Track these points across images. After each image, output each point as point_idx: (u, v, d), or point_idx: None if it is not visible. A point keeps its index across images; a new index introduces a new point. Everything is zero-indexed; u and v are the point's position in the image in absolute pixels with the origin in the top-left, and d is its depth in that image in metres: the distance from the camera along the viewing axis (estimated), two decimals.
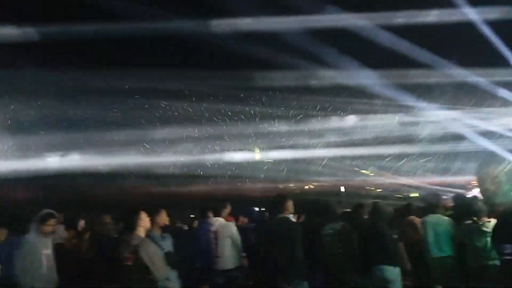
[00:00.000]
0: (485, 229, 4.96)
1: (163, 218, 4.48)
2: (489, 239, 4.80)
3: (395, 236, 6.07)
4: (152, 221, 4.30)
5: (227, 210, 6.57)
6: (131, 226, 4.12)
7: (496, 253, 4.38)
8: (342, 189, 29.23)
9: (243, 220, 7.73)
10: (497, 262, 4.46)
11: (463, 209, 5.82)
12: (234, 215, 7.15)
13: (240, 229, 6.37)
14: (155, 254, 4.00)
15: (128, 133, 15.66)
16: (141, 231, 4.14)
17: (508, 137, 13.14)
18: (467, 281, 5.43)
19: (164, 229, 4.52)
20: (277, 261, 4.33)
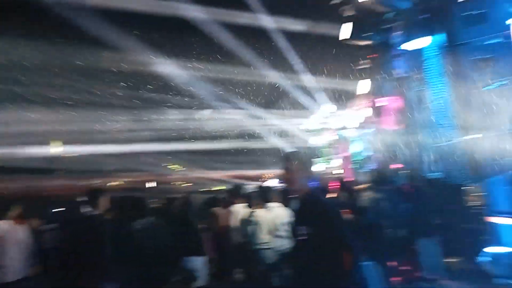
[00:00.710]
0: (250, 218, 5.66)
1: None
2: (252, 227, 5.55)
3: (203, 227, 6.37)
4: None
5: (17, 211, 5.57)
6: None
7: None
8: (152, 184, 29.08)
9: (37, 222, 6.73)
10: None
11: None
12: (27, 217, 6.11)
13: (36, 232, 5.52)
14: None
15: None
16: None
17: (299, 136, 15.49)
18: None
19: None
20: (83, 261, 3.94)
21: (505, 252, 5.27)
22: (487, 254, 5.37)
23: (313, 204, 2.59)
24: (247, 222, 5.85)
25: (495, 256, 5.27)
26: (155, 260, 4.86)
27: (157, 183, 28.29)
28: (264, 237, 5.72)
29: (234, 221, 6.44)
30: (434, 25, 5.03)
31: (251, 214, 5.82)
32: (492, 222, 5.87)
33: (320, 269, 2.44)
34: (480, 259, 5.42)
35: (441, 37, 5.07)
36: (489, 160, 4.39)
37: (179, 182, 32.93)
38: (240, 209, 6.40)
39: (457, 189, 7.27)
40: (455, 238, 6.90)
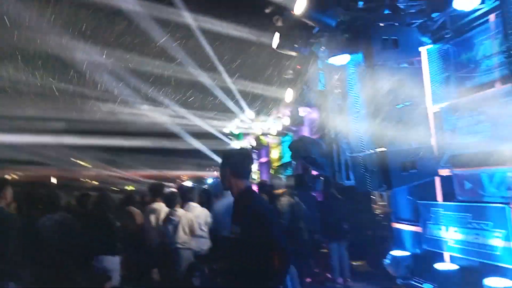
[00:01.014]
0: (170, 216, 5.64)
1: None
2: (171, 226, 5.56)
3: (118, 226, 6.08)
4: None
5: None
6: None
7: None
8: (53, 180, 26.77)
9: None
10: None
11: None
12: None
13: None
14: None
15: None
16: None
17: (219, 138, 15.48)
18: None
19: None
20: None
21: (406, 255, 5.86)
22: (391, 257, 5.91)
23: (248, 205, 2.59)
24: (167, 221, 5.73)
25: (397, 259, 5.83)
26: (64, 259, 4.51)
27: (61, 179, 26.18)
28: (183, 237, 5.66)
29: (153, 220, 6.26)
30: (353, 45, 5.40)
31: (171, 213, 5.72)
32: (396, 228, 6.50)
33: (249, 270, 2.46)
34: (385, 262, 5.96)
35: (359, 57, 5.46)
36: (396, 172, 4.84)
37: (87, 179, 30.88)
38: (159, 208, 6.24)
39: (367, 197, 7.92)
40: (363, 243, 7.51)
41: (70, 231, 4.66)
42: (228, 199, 6.34)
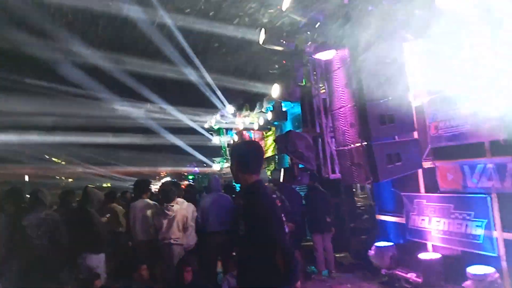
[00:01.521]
0: (166, 211, 5.61)
1: None
2: (166, 221, 5.55)
3: (103, 222, 5.98)
4: None
5: None
6: None
7: None
8: (26, 177, 25.96)
9: None
10: None
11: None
12: None
13: None
14: None
15: None
16: None
17: (200, 133, 15.35)
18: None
19: None
20: None
21: (390, 246, 6.01)
22: (375, 248, 6.06)
23: (251, 201, 2.56)
24: (162, 216, 5.67)
25: (381, 250, 5.97)
26: (49, 257, 4.42)
27: (31, 176, 25.44)
28: (177, 233, 5.63)
29: (140, 217, 6.19)
30: (338, 40, 5.48)
31: (167, 208, 5.66)
32: (380, 220, 6.66)
33: (251, 268, 2.44)
34: (369, 253, 6.09)
35: (344, 52, 5.55)
36: (382, 165, 4.95)
37: (62, 177, 30.12)
38: (146, 204, 6.17)
39: (350, 190, 8.07)
40: (347, 235, 7.66)
41: (55, 229, 4.58)
42: (214, 194, 6.38)
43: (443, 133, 5.28)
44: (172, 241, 5.58)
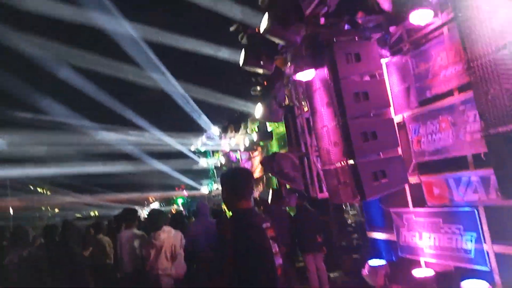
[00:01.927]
0: (153, 240, 5.47)
1: None
2: (153, 251, 5.39)
3: (84, 256, 5.81)
4: None
5: None
6: None
7: None
8: (10, 210, 25.30)
9: None
10: None
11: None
12: None
13: None
14: None
15: None
16: None
17: (188, 156, 15.24)
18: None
19: None
20: None
21: (383, 264, 5.93)
22: (368, 266, 5.97)
23: (238, 229, 2.48)
24: (149, 246, 5.52)
25: (375, 268, 5.89)
26: None
27: (19, 209, 24.82)
28: (165, 263, 5.47)
29: (126, 248, 6.02)
30: (318, 60, 5.53)
31: (151, 238, 5.51)
32: (371, 237, 6.60)
33: None
34: (362, 271, 6.00)
35: (324, 71, 5.59)
36: (369, 182, 4.92)
37: (48, 207, 29.43)
38: (133, 235, 6.02)
39: (339, 208, 8.01)
40: (339, 253, 7.56)
41: (38, 268, 4.42)
42: (203, 220, 6.26)
43: (426, 147, 5.30)
44: (160, 271, 5.42)
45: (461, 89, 4.70)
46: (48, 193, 28.92)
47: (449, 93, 4.91)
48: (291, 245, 7.05)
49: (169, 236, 5.67)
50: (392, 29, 5.57)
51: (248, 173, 2.76)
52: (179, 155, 15.43)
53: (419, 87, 5.40)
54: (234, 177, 2.69)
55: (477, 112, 4.35)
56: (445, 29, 4.95)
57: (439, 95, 5.05)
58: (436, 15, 4.86)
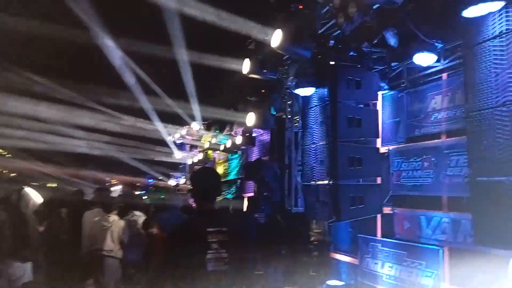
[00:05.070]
0: (102, 222, 5.50)
1: None
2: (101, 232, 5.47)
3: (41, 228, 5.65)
4: None
5: None
6: None
7: None
8: None
9: None
10: None
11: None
12: None
13: None
14: None
15: None
16: None
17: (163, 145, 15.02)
18: None
19: None
20: None
21: (340, 285, 6.09)
22: (326, 286, 6.10)
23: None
24: (98, 227, 5.50)
25: None
26: None
27: None
28: (110, 245, 5.44)
29: (89, 226, 5.91)
30: (320, 79, 5.67)
31: (104, 219, 5.51)
32: (334, 258, 6.75)
33: None
34: None
35: (323, 91, 5.74)
36: (346, 205, 5.08)
37: (5, 170, 28.16)
38: (97, 213, 5.94)
39: (307, 224, 8.12)
40: (299, 269, 7.66)
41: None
42: (174, 212, 6.21)
43: (405, 182, 5.52)
44: (105, 253, 5.40)
45: (449, 134, 4.95)
46: (9, 155, 27.75)
47: (437, 136, 5.15)
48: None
49: (119, 219, 5.69)
50: (394, 64, 5.80)
51: (218, 176, 2.92)
52: (154, 142, 15.19)
53: (410, 124, 5.63)
54: (203, 177, 2.81)
55: (460, 158, 4.65)
56: (444, 75, 5.20)
57: (427, 135, 5.29)
58: (438, 60, 5.11)
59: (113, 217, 5.76)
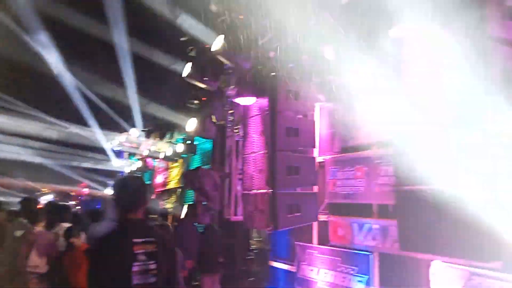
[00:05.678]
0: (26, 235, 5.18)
1: None
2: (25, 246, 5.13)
3: None
4: None
5: None
6: None
7: None
8: None
9: None
10: None
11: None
12: None
13: None
14: None
15: None
16: None
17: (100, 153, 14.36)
18: None
19: None
20: None
21: None
22: None
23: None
24: (22, 241, 5.12)
25: None
26: None
27: None
28: (36, 260, 5.07)
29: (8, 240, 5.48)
30: (260, 89, 5.77)
31: (30, 232, 5.14)
32: (273, 266, 6.84)
33: None
34: None
35: (264, 102, 5.84)
36: (283, 213, 5.19)
37: None
38: (19, 225, 5.54)
39: (246, 232, 8.17)
40: (237, 277, 7.66)
41: None
42: (109, 223, 5.95)
43: (339, 190, 5.75)
44: (28, 269, 5.03)
45: (379, 145, 5.25)
46: None
47: (369, 146, 5.45)
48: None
49: (46, 232, 5.35)
50: (329, 77, 6.05)
51: (143, 183, 2.76)
52: (90, 149, 14.48)
53: (344, 135, 5.90)
54: (127, 185, 2.65)
55: (389, 168, 4.95)
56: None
57: (360, 146, 5.57)
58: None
59: (40, 229, 5.38)
